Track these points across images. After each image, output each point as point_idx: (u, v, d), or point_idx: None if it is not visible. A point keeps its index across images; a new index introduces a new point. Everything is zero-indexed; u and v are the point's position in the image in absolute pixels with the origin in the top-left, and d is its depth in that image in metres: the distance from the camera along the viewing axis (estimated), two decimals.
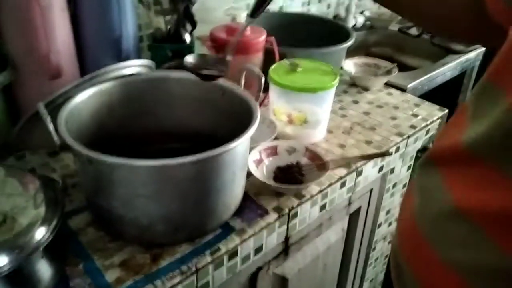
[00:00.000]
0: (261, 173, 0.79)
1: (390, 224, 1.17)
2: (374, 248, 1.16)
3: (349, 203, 0.94)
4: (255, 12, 0.78)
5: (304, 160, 0.82)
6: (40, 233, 0.54)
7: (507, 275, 0.40)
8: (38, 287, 0.56)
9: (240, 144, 0.62)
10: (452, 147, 0.47)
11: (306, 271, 0.90)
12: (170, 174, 0.59)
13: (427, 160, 0.53)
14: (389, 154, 0.89)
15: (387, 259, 1.26)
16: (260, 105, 1.00)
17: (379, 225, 1.12)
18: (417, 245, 0.50)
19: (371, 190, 1.00)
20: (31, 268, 0.54)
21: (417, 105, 1.09)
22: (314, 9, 1.56)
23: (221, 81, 0.78)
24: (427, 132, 1.04)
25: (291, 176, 0.79)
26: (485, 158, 0.42)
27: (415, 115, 1.04)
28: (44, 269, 0.57)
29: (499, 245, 0.41)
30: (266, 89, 0.93)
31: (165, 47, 0.97)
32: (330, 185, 0.81)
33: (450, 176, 0.47)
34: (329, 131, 0.96)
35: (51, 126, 0.58)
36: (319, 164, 0.80)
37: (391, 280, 0.58)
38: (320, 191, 0.79)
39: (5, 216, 0.53)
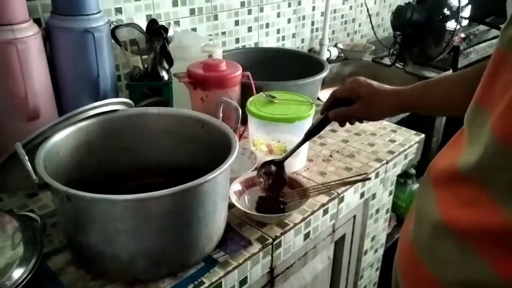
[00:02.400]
0: (243, 203, 0.80)
1: (376, 250, 1.17)
2: (362, 276, 1.15)
3: (333, 231, 0.94)
4: (287, 157, 0.82)
5: (285, 189, 0.83)
6: (18, 273, 0.53)
7: None
8: None
9: (220, 174, 0.62)
10: (447, 169, 0.50)
11: None
12: (148, 208, 0.59)
13: (426, 180, 0.55)
14: (368, 178, 0.90)
15: (376, 287, 1.25)
16: (240, 137, 1.01)
17: (365, 252, 1.11)
18: (412, 262, 0.53)
19: (354, 217, 1.00)
20: None
21: (394, 131, 1.11)
22: (289, 44, 1.60)
23: (200, 114, 0.79)
24: (406, 157, 1.06)
25: (273, 205, 0.79)
26: (475, 180, 0.45)
27: (393, 141, 1.07)
28: None
29: (490, 263, 0.42)
30: (244, 122, 0.95)
31: (142, 85, 0.99)
32: (313, 212, 0.81)
33: (443, 196, 0.50)
34: (309, 160, 0.97)
35: (29, 166, 0.58)
36: (300, 191, 0.81)
37: None
38: (303, 219, 0.79)
39: None
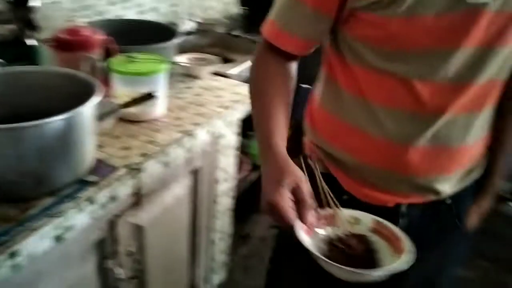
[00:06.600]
0: None
1: (229, 181, 1.44)
2: (219, 203, 1.41)
3: (189, 162, 1.17)
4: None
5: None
6: None
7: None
8: None
9: (85, 110, 0.81)
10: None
11: (159, 221, 1.11)
12: (30, 135, 0.75)
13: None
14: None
15: (232, 212, 1.53)
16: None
17: (219, 182, 1.37)
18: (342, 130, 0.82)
19: (206, 152, 1.24)
20: None
21: (236, 86, 1.38)
22: (150, 18, 1.77)
23: (68, 70, 0.95)
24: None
25: None
26: None
27: (237, 93, 1.33)
28: None
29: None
30: (108, 84, 1.12)
31: (9, 51, 1.09)
32: (168, 145, 1.03)
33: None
34: (169, 110, 1.18)
35: None
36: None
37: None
38: (161, 151, 1.01)
39: None
